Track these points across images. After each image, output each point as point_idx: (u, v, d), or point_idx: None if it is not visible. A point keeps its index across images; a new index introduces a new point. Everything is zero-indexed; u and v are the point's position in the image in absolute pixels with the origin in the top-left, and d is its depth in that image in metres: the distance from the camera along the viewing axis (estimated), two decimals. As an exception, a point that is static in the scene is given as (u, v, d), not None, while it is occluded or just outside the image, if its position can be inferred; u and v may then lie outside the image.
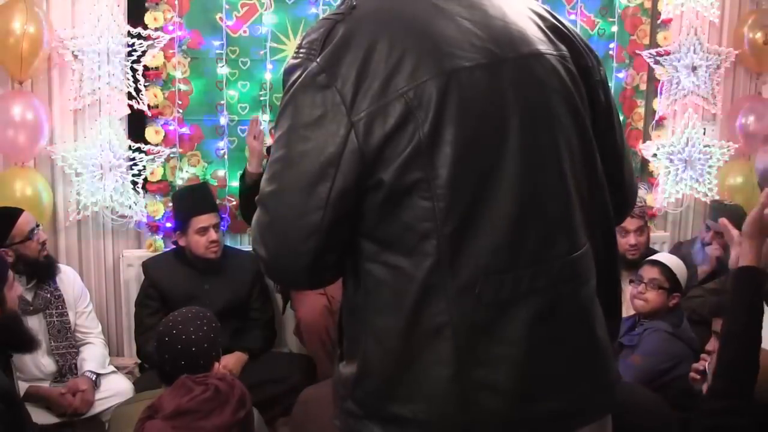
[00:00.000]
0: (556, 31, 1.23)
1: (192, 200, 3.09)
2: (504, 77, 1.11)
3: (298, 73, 1.10)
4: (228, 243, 3.38)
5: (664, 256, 2.97)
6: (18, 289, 2.41)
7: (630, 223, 3.33)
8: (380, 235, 1.10)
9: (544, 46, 1.17)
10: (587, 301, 1.19)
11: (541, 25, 1.21)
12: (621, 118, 3.96)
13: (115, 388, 2.85)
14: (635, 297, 2.84)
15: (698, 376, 2.26)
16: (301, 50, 1.11)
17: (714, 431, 1.68)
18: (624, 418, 1.54)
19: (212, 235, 3.03)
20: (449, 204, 1.06)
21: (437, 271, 1.07)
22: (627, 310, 3.02)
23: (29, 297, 2.78)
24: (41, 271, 2.81)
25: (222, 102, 3.42)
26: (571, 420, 1.17)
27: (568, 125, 1.17)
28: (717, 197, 3.99)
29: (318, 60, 1.08)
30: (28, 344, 2.38)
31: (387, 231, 1.09)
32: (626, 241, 3.34)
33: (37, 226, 2.81)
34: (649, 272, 2.82)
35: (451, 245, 1.07)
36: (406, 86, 1.06)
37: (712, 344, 2.33)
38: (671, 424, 1.63)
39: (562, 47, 1.21)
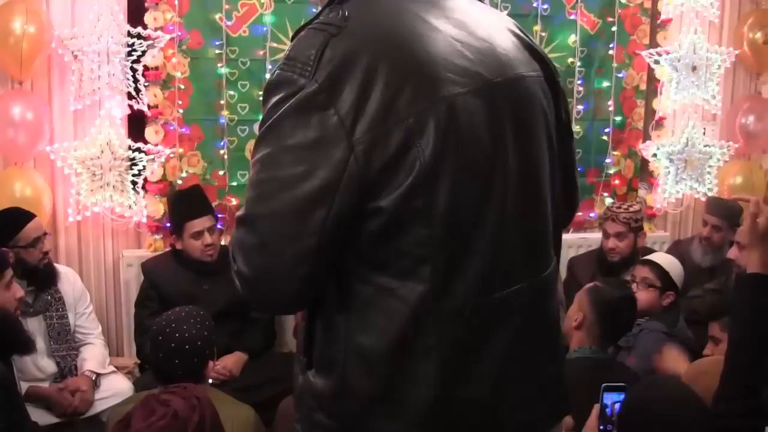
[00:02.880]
0: (530, 49, 1.24)
1: (184, 205, 3.08)
2: (495, 103, 1.12)
3: (289, 89, 1.05)
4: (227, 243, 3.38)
5: (659, 256, 2.96)
6: (17, 291, 2.39)
7: (610, 227, 3.33)
8: (374, 258, 1.09)
9: (525, 68, 1.19)
10: (553, 314, 1.26)
11: (519, 44, 1.22)
12: (621, 118, 4.01)
13: (115, 388, 2.85)
14: None
15: None
16: (292, 64, 1.06)
17: None
18: (654, 412, 1.56)
19: (207, 238, 3.02)
20: (446, 231, 1.06)
21: (430, 295, 1.07)
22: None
23: (30, 299, 2.77)
24: (39, 279, 2.79)
25: (222, 102, 3.42)
26: (538, 427, 1.24)
27: (545, 148, 1.21)
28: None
29: (315, 78, 1.03)
30: (23, 346, 2.37)
31: (381, 255, 1.08)
32: (606, 243, 3.35)
33: (45, 234, 2.80)
34: (640, 271, 2.83)
35: (446, 271, 1.07)
36: (406, 113, 1.03)
37: (710, 349, 2.33)
38: (705, 416, 1.62)
39: (538, 67, 1.23)
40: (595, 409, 1.74)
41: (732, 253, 2.96)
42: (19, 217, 2.75)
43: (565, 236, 4.18)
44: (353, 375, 1.12)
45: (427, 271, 1.06)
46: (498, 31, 1.19)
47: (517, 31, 1.25)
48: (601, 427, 1.70)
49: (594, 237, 3.91)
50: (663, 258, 2.92)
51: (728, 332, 1.82)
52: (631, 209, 3.35)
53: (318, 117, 1.02)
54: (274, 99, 1.06)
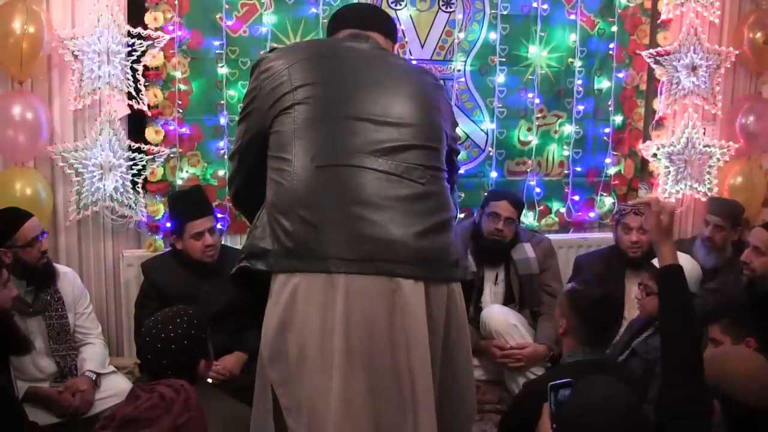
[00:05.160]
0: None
1: (185, 205, 3.07)
2: (360, 56, 1.89)
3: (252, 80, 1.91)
4: (228, 243, 3.38)
5: None
6: (11, 291, 2.39)
7: (633, 220, 3.27)
8: (273, 151, 1.80)
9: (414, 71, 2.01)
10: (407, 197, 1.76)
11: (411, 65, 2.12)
12: (621, 118, 4.00)
13: (115, 388, 2.84)
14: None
15: None
16: (253, 68, 1.93)
17: (676, 420, 1.71)
18: (585, 411, 1.61)
19: (208, 239, 3.01)
20: (302, 128, 1.77)
21: (289, 166, 1.75)
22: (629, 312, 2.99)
23: (29, 299, 2.77)
24: (38, 278, 2.78)
25: (222, 102, 3.43)
26: (381, 263, 1.66)
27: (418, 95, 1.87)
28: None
29: (258, 75, 1.88)
30: (19, 346, 2.37)
31: (275, 147, 1.79)
32: (628, 238, 3.28)
33: (43, 234, 2.79)
34: (643, 278, 2.75)
35: (297, 152, 1.75)
36: (292, 77, 1.81)
37: (710, 351, 2.33)
38: (635, 414, 1.63)
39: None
40: (546, 408, 1.74)
41: (746, 255, 2.93)
42: (16, 216, 2.74)
43: (565, 236, 4.21)
44: (259, 219, 1.80)
45: (289, 151, 1.76)
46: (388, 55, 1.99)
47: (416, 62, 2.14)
48: (554, 425, 1.71)
49: (594, 237, 3.92)
50: None
51: (661, 326, 1.87)
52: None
53: (254, 93, 1.87)
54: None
